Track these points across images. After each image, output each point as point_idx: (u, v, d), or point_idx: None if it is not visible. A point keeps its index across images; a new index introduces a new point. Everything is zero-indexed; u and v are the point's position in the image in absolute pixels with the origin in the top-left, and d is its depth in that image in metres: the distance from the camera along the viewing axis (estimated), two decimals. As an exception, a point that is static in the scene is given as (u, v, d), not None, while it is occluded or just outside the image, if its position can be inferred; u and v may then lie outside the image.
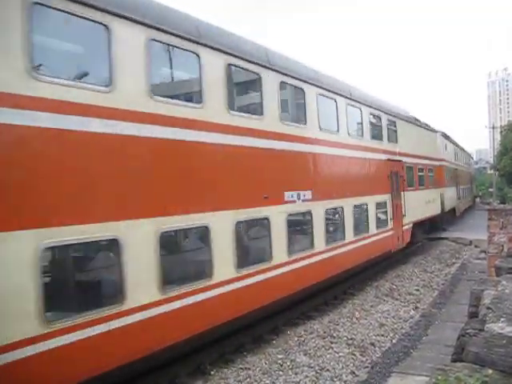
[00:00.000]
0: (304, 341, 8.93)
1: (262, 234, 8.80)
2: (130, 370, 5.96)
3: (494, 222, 9.71)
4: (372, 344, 8.87)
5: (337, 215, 11.78)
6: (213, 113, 7.48)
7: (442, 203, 23.45)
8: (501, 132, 60.63)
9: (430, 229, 22.39)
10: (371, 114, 14.20)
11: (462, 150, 41.44)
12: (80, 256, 6.15)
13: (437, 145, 24.19)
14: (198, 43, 7.27)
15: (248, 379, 7.31)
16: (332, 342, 8.87)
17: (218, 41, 7.73)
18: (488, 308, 3.41)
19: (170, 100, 6.89)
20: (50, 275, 5.38)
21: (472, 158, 58.92)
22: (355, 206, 12.37)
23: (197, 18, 7.76)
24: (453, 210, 28.29)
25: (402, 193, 16.19)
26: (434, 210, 21.41)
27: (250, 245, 8.91)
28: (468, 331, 3.15)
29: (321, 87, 10.99)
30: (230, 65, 8.03)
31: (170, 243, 7.07)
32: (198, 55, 7.30)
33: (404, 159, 16.88)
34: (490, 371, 2.78)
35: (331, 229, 11.35)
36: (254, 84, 8.90)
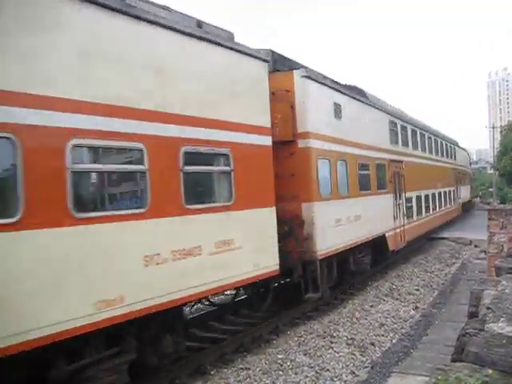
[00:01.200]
0: (304, 341, 8.92)
1: None
2: None
3: (494, 222, 9.70)
4: (372, 344, 8.86)
5: None
6: None
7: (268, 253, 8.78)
8: (501, 132, 60.63)
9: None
10: None
11: (432, 133, 24.19)
12: None
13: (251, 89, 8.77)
14: None
15: (248, 379, 7.30)
16: (332, 342, 8.86)
17: None
18: (488, 308, 3.41)
19: None
20: None
21: (463, 150, 39.98)
22: None
23: None
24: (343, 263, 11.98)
25: None
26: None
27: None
28: (468, 331, 3.15)
29: None
30: None
31: None
32: None
33: None
34: (490, 371, 2.78)
35: None
36: None
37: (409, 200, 17.31)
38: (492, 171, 70.95)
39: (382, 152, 15.18)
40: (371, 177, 13.94)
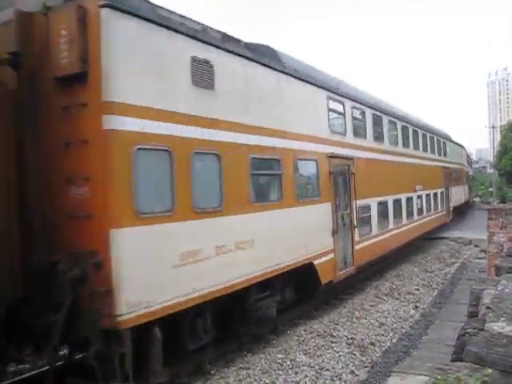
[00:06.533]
0: (304, 340, 8.93)
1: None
2: None
3: (493, 222, 9.71)
4: (372, 343, 8.86)
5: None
6: None
7: None
8: (501, 132, 60.64)
9: None
10: None
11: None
12: None
13: None
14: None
15: (248, 379, 7.30)
16: (332, 342, 8.86)
17: None
18: (488, 308, 3.41)
19: None
20: None
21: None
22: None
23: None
24: None
25: None
26: None
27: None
28: (468, 331, 3.15)
29: None
30: None
31: None
32: None
33: None
34: (490, 371, 2.78)
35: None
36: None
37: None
38: (492, 171, 70.96)
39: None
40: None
